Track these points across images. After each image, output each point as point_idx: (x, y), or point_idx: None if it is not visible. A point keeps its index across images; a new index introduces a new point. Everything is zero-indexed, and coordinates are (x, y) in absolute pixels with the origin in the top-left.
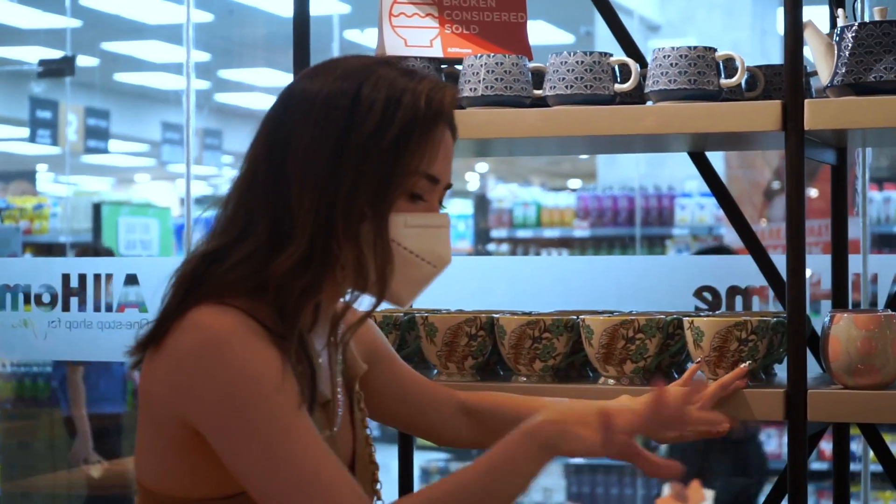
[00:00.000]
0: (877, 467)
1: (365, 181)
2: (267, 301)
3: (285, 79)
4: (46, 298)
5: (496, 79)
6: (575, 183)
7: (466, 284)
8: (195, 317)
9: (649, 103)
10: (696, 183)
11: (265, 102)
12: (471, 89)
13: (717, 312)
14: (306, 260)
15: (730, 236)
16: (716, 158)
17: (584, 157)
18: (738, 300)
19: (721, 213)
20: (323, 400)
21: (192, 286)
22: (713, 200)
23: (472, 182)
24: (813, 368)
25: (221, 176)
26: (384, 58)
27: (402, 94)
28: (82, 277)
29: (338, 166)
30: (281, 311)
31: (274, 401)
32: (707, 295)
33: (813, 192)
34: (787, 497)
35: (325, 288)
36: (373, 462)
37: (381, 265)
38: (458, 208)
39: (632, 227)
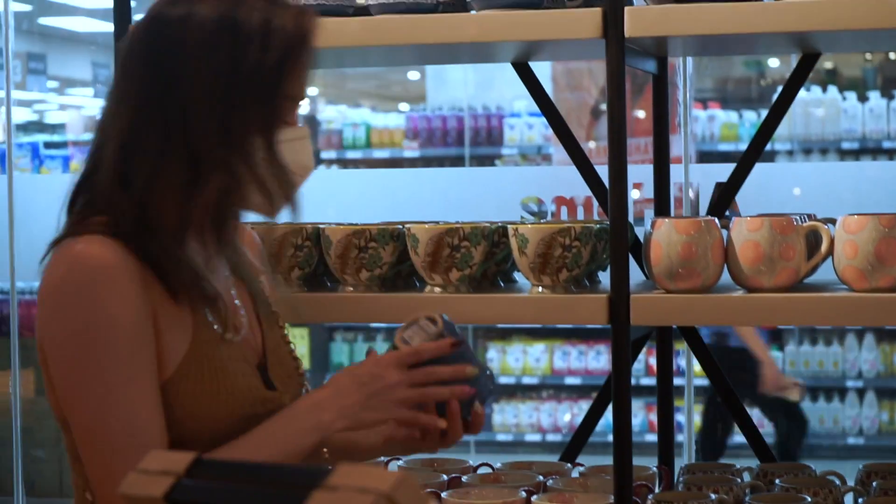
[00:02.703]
0: (703, 381)
1: (255, 108)
2: (152, 227)
3: (107, 1)
4: None
5: None
6: (405, 106)
7: None
8: (71, 247)
9: (473, 12)
10: (524, 103)
11: (90, 25)
12: None
13: (541, 221)
14: (194, 181)
15: (558, 155)
16: (543, 79)
17: (413, 79)
18: (564, 211)
19: (549, 132)
20: (213, 295)
21: (81, 214)
22: (542, 120)
23: (301, 105)
24: (636, 277)
25: (46, 101)
26: None
27: (274, 23)
28: None
29: (229, 96)
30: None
31: (123, 346)
32: (533, 206)
33: (640, 113)
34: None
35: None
36: (294, 358)
37: (283, 180)
38: None
39: (461, 147)
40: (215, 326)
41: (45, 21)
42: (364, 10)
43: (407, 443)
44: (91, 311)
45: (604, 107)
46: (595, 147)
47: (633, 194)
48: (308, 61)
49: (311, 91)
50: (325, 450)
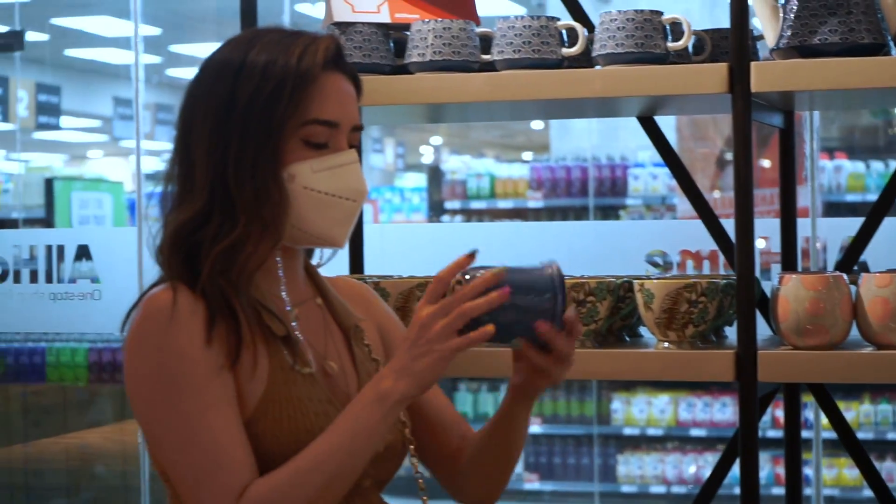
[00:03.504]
0: (830, 434)
1: (250, 138)
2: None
3: None
4: None
5: (444, 44)
6: (528, 155)
7: (420, 251)
8: (146, 297)
9: (598, 67)
10: (648, 153)
11: None
12: (419, 55)
13: (667, 275)
14: (206, 216)
15: (682, 206)
16: (668, 130)
17: (537, 128)
18: (690, 264)
19: (674, 182)
20: (281, 333)
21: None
22: (666, 170)
23: (426, 155)
24: (763, 332)
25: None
26: (278, 25)
27: (278, 55)
28: (33, 249)
29: (226, 128)
30: (199, 269)
31: (194, 377)
32: (658, 259)
33: (765, 163)
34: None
35: (246, 243)
36: None
37: (277, 214)
38: (412, 181)
39: (585, 198)
40: (292, 363)
41: (172, 73)
42: (489, 66)
43: (529, 382)
44: (160, 350)
45: (729, 156)
46: (720, 197)
47: (759, 244)
48: (325, 87)
49: (435, 141)
50: None
